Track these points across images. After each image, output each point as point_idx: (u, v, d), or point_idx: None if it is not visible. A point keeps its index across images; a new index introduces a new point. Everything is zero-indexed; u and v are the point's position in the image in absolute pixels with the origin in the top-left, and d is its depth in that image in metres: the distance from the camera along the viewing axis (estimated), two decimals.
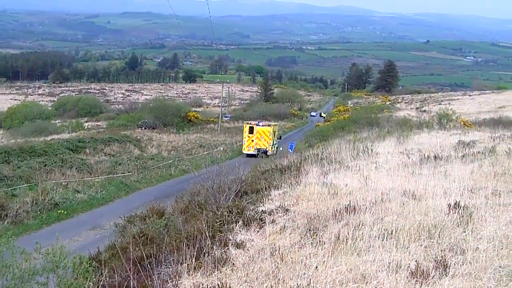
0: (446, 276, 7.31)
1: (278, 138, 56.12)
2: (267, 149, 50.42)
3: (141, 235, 14.83)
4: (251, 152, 50.77)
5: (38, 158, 38.22)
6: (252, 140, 51.31)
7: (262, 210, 13.49)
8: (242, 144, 54.41)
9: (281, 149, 51.24)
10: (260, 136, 51.22)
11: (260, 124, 53.23)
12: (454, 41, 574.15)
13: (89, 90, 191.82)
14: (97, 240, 20.26)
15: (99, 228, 23.50)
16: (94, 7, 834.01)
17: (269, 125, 53.32)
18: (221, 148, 57.22)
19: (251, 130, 51.53)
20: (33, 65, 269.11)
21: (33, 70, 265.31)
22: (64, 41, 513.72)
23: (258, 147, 50.94)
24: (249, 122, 55.16)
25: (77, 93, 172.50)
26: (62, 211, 25.91)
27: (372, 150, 23.47)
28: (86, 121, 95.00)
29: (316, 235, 9.89)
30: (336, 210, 11.50)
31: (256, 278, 8.29)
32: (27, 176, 32.35)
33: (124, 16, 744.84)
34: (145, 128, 75.43)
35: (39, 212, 25.04)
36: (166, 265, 9.87)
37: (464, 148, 21.68)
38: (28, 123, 77.18)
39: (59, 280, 9.11)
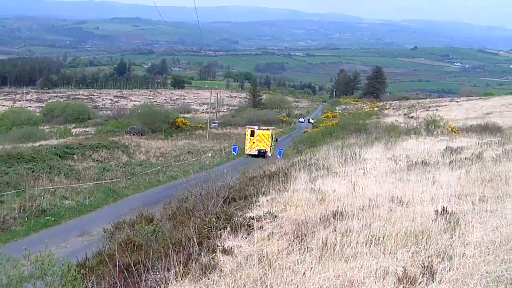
0: (433, 282, 7.33)
1: (275, 141, 62.57)
2: (266, 150, 56.82)
3: (128, 241, 14.80)
4: (253, 152, 56.87)
5: (25, 164, 38.03)
6: (253, 142, 57.55)
7: (250, 217, 13.49)
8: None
9: (269, 155, 52.64)
10: (260, 139, 57.50)
11: (260, 128, 60.31)
12: (442, 47, 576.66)
13: (77, 96, 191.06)
14: (85, 246, 20.18)
15: (87, 235, 23.43)
16: (83, 12, 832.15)
17: (267, 129, 60.37)
18: (210, 154, 57.30)
19: (252, 134, 57.89)
20: (21, 71, 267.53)
21: (21, 75, 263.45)
22: (52, 47, 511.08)
23: (259, 148, 57.07)
24: (250, 126, 62.29)
25: (65, 99, 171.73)
26: (50, 217, 25.82)
27: (360, 156, 23.54)
28: (74, 127, 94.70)
29: (304, 242, 9.90)
30: (324, 216, 11.52)
31: (244, 285, 8.29)
32: (14, 183, 32.19)
33: (112, 22, 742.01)
34: (133, 134, 75.19)
35: (26, 219, 24.93)
36: (153, 271, 9.84)
37: (451, 154, 21.76)
38: (16, 129, 76.86)
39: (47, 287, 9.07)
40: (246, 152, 57.76)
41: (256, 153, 56.45)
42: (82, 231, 24.03)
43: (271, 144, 58.79)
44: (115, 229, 18.69)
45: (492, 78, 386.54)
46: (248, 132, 58.66)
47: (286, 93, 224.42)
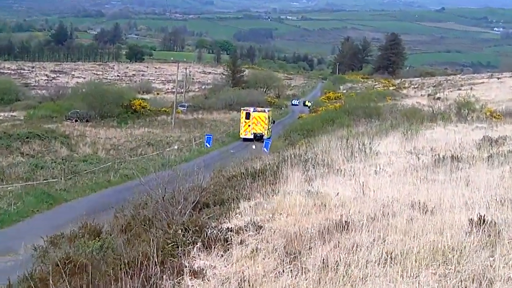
0: None
1: (272, 123, 70.98)
2: (263, 134, 64.76)
3: (67, 261, 14.67)
4: (248, 136, 64.93)
5: None
6: (249, 125, 66.10)
7: (228, 228, 13.48)
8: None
9: (254, 147, 52.79)
10: (257, 122, 66.22)
11: (256, 110, 68.66)
12: (477, 8, 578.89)
13: (1, 70, 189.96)
14: (9, 269, 19.98)
15: (12, 253, 23.17)
16: None
17: (264, 111, 69.33)
18: (176, 147, 57.30)
19: (247, 116, 66.52)
20: None
21: None
22: None
23: (255, 131, 65.34)
24: (246, 108, 70.10)
25: None
26: None
27: (371, 149, 23.57)
28: None
29: (298, 261, 9.83)
30: (324, 228, 11.47)
31: None
32: None
33: None
34: (76, 121, 75.20)
35: None
36: None
37: (491, 147, 21.80)
38: None
39: None
40: (241, 136, 66.53)
41: (252, 137, 63.87)
42: (5, 248, 23.76)
43: (269, 127, 67.15)
44: (49, 246, 18.55)
45: None
46: (243, 114, 67.07)
47: (275, 68, 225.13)
